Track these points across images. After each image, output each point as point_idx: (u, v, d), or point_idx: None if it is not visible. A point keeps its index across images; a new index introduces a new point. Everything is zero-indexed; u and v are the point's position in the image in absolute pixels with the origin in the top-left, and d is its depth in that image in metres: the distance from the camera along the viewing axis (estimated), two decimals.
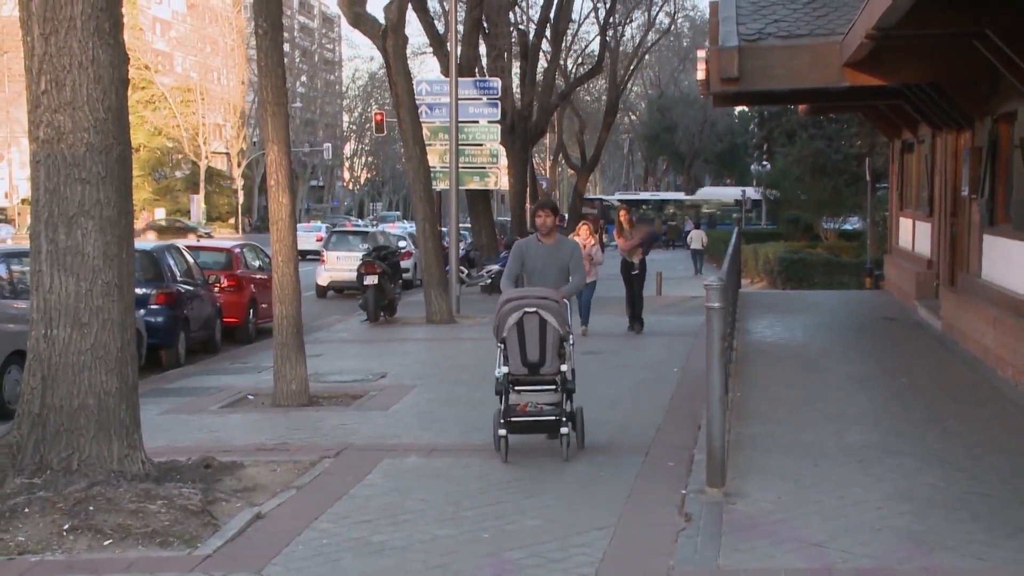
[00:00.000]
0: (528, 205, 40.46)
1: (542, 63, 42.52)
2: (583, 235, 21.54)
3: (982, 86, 16.08)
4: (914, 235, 25.02)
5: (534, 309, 9.83)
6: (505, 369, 10.07)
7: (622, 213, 23.35)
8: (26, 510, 8.38)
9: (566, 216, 43.11)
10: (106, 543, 7.99)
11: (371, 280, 24.89)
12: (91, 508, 8.41)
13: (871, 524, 8.39)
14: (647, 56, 57.05)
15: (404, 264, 31.94)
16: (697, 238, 49.25)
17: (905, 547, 7.86)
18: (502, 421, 9.91)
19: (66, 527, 8.16)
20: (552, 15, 41.58)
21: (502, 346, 10.19)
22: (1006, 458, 10.48)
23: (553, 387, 10.33)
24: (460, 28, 29.01)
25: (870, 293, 30.73)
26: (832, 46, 17.24)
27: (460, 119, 26.35)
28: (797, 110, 35.36)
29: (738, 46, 17.77)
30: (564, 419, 9.97)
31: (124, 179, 9.47)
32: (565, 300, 10.71)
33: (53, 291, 9.19)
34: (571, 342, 10.51)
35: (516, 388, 10.29)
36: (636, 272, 22.07)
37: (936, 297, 20.59)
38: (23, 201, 69.46)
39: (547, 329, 9.83)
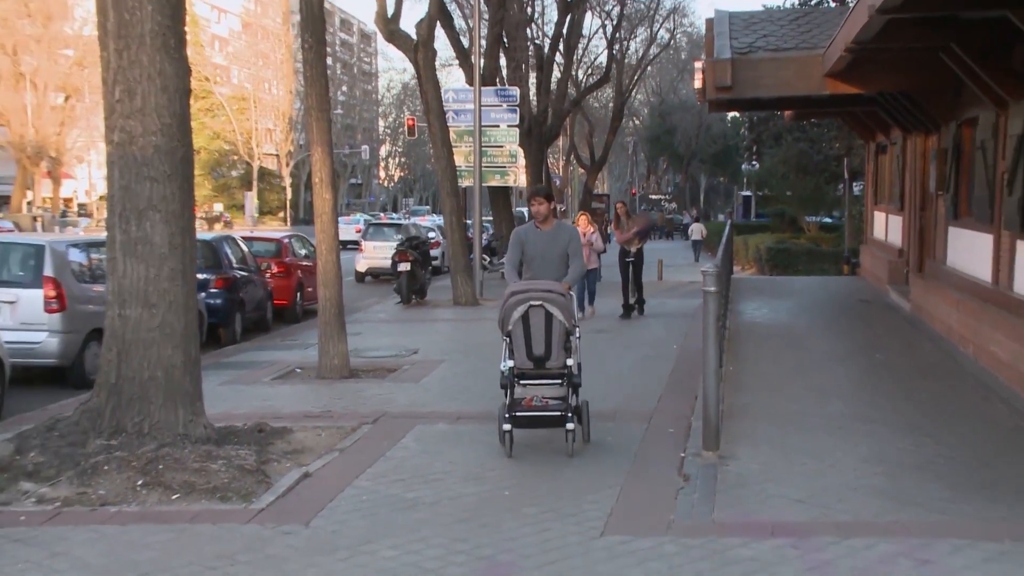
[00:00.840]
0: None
1: (556, 73, 42.36)
2: (582, 224, 20.78)
3: (948, 94, 16.08)
4: (887, 227, 24.94)
5: (540, 302, 8.69)
6: (510, 363, 8.92)
7: (619, 206, 22.93)
8: (105, 468, 8.49)
9: (560, 207, 42.76)
10: (174, 497, 8.10)
11: (404, 267, 24.93)
12: (160, 467, 8.51)
13: (848, 484, 8.45)
14: (649, 67, 56.87)
15: (433, 252, 31.83)
16: (697, 230, 49.73)
17: (877, 504, 7.92)
18: (507, 416, 8.80)
19: (139, 483, 8.28)
20: (565, 31, 41.50)
21: (508, 339, 9.09)
22: (968, 425, 10.53)
23: (559, 381, 9.12)
24: (483, 43, 28.96)
25: (847, 279, 30.63)
26: (815, 58, 17.27)
27: (483, 123, 26.34)
28: (783, 115, 35.15)
29: (731, 58, 17.84)
30: (569, 414, 8.81)
31: (187, 177, 9.55)
32: (571, 292, 9.64)
33: (126, 276, 9.27)
34: (577, 335, 9.37)
35: (522, 382, 9.10)
36: (632, 260, 21.08)
37: (906, 282, 20.55)
38: (100, 197, 69.51)
39: (553, 323, 8.69)
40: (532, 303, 8.71)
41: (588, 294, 20.10)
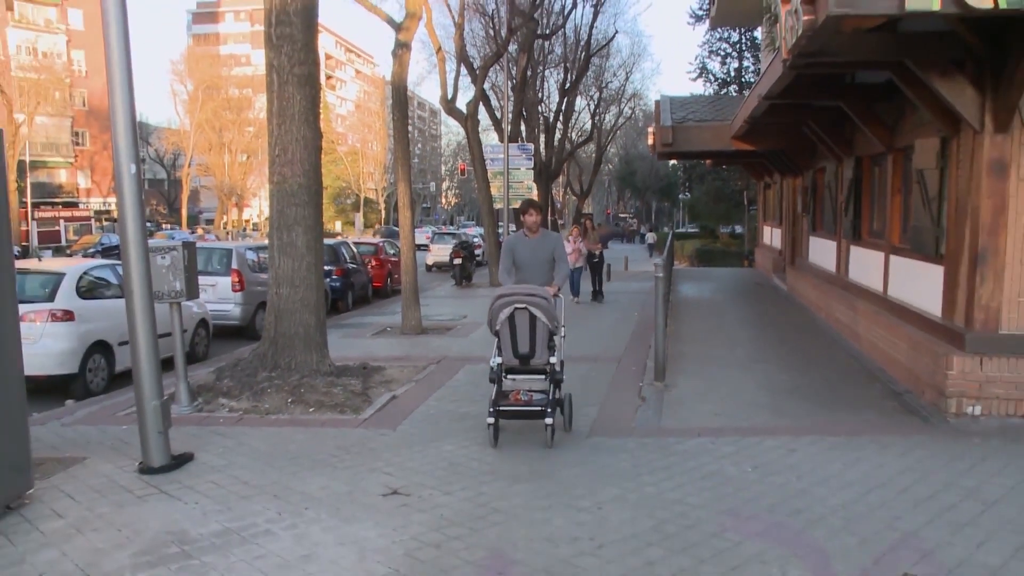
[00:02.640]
0: (550, 218, 40.10)
1: (557, 135, 42.28)
2: (574, 234, 19.22)
3: (807, 152, 16.09)
4: (772, 236, 24.86)
5: (524, 305, 6.92)
6: (499, 359, 7.17)
7: (587, 222, 21.04)
8: (268, 390, 8.58)
9: (559, 221, 42.96)
10: (310, 410, 8.16)
11: (457, 261, 24.93)
12: (302, 390, 8.59)
13: (747, 402, 8.46)
14: (618, 131, 56.75)
15: (477, 252, 31.90)
16: (650, 237, 50.61)
17: (765, 414, 7.94)
18: (491, 410, 6.99)
19: (289, 400, 8.35)
20: (563, 108, 41.45)
21: (497, 338, 7.22)
22: (821, 364, 10.50)
23: (543, 376, 7.28)
24: (510, 115, 28.90)
25: (747, 270, 30.55)
26: (725, 127, 17.28)
27: (509, 167, 26.31)
28: (706, 163, 35.12)
29: (671, 126, 17.99)
30: (549, 409, 6.93)
31: (318, 204, 9.59)
32: (559, 295, 7.68)
33: (280, 268, 9.34)
34: (562, 334, 7.48)
35: (509, 376, 7.31)
36: (596, 261, 19.36)
37: (784, 272, 20.50)
38: (265, 218, 70.94)
39: (537, 324, 6.93)
40: (517, 306, 6.91)
41: (572, 285, 18.39)
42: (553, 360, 7.11)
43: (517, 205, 29.87)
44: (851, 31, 7.20)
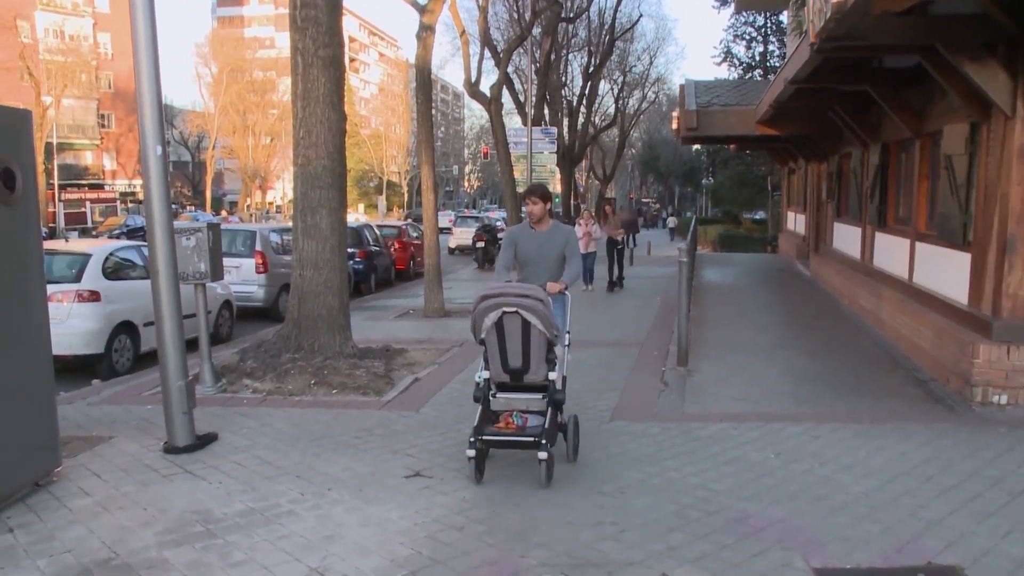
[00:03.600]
0: (572, 202, 39.97)
1: (580, 119, 42.11)
2: (585, 217, 18.50)
3: (833, 137, 15.91)
4: (795, 222, 24.68)
5: (514, 309, 5.45)
6: (486, 373, 5.71)
7: (607, 207, 20.30)
8: (292, 371, 8.62)
9: (583, 206, 42.90)
10: (333, 392, 8.19)
11: (480, 244, 25.01)
12: (325, 372, 8.62)
13: (770, 388, 8.42)
14: (642, 116, 56.45)
15: (500, 235, 31.88)
16: (671, 221, 50.02)
17: (787, 401, 7.90)
18: (472, 439, 5.54)
19: (312, 382, 8.38)
20: (586, 92, 41.29)
21: (484, 347, 5.70)
22: (844, 350, 10.44)
23: (540, 395, 5.78)
24: (533, 98, 28.80)
25: (771, 256, 30.35)
26: (749, 111, 17.15)
27: (532, 151, 26.26)
28: (730, 147, 34.84)
29: (696, 110, 17.88)
30: (545, 441, 5.46)
31: (342, 187, 9.61)
32: (566, 292, 6.31)
33: (304, 250, 9.38)
34: (567, 342, 6.16)
35: (498, 394, 5.87)
36: (619, 247, 18.41)
37: (808, 258, 20.37)
38: (289, 201, 71.34)
39: (531, 332, 5.48)
40: (506, 309, 5.44)
41: (586, 272, 17.49)
42: (552, 376, 5.66)
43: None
44: (880, 14, 7.10)
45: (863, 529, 4.82)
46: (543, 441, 5.45)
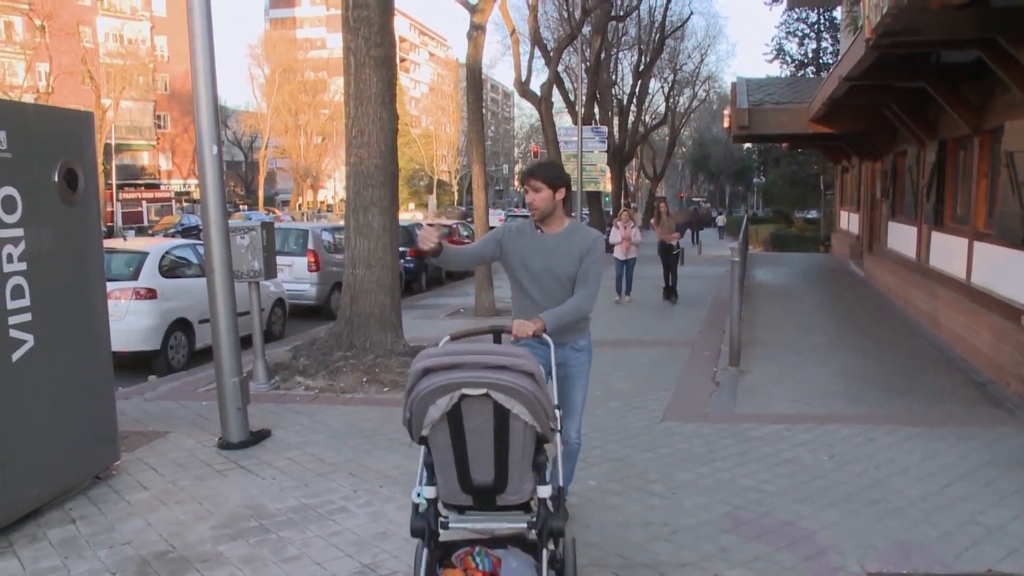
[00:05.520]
0: (622, 200, 39.73)
1: (631, 117, 41.91)
2: (624, 218, 15.77)
3: (887, 135, 15.67)
4: (848, 221, 24.32)
5: (483, 390, 2.99)
6: (429, 490, 3.30)
7: (661, 205, 17.11)
8: (343, 369, 8.68)
9: (634, 206, 42.65)
10: (385, 389, 8.23)
11: None
12: (377, 370, 8.67)
13: (822, 389, 8.30)
14: (692, 114, 56.10)
15: None
16: (720, 220, 49.75)
17: (841, 401, 7.78)
18: None
19: (364, 380, 8.43)
20: (637, 91, 41.11)
21: (424, 448, 3.37)
22: (898, 351, 10.27)
23: (524, 519, 3.25)
24: (583, 97, 28.73)
25: (823, 255, 29.94)
26: (802, 109, 16.96)
27: (583, 150, 26.20)
28: (781, 146, 34.42)
29: (748, 108, 17.71)
30: None
31: (394, 186, 9.65)
32: (546, 337, 4.05)
33: (356, 248, 9.43)
34: (575, 439, 4.54)
35: (451, 520, 3.30)
36: (676, 252, 15.87)
37: (861, 257, 20.08)
38: (340, 200, 72.31)
39: (509, 427, 3.04)
40: (467, 392, 3.04)
41: (626, 282, 15.32)
42: (544, 493, 3.26)
43: (590, 187, 29.83)
44: (939, 7, 6.94)
45: (920, 534, 4.72)
46: None
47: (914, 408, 7.59)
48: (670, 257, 15.74)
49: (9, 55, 48.67)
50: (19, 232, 4.86)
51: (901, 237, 14.94)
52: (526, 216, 4.52)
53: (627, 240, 15.25)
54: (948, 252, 11.39)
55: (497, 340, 4.15)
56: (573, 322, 4.29)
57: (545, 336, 4.05)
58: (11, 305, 4.81)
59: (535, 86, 25.22)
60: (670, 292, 15.73)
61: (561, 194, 4.29)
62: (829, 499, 5.26)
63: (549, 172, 4.30)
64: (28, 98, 42.43)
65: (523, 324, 4.03)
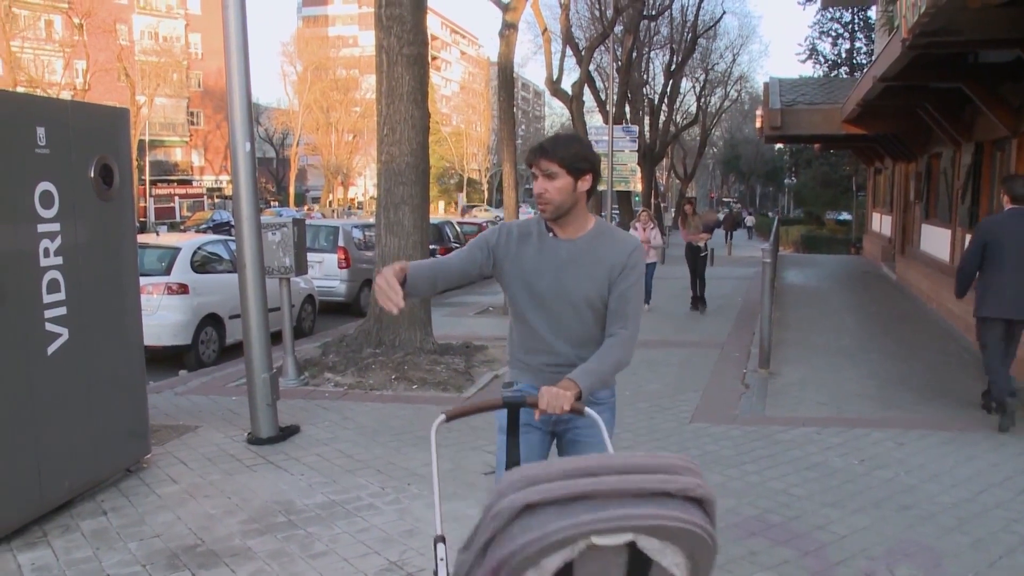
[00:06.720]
0: (653, 200, 39.48)
1: (662, 117, 41.75)
2: (643, 219, 14.66)
3: (922, 136, 15.52)
4: (881, 223, 24.10)
5: (627, 537, 1.43)
6: None
7: (687, 207, 15.51)
8: (373, 366, 8.72)
9: (663, 204, 42.27)
10: (413, 387, 8.26)
11: None
12: (406, 367, 8.70)
13: (853, 392, 8.22)
14: (723, 114, 55.77)
15: None
16: (749, 220, 49.44)
17: (872, 406, 7.70)
18: None
19: (393, 377, 8.45)
20: (668, 90, 40.92)
21: None
22: (931, 354, 10.14)
23: None
24: (614, 96, 28.67)
25: (854, 257, 29.67)
26: (835, 110, 16.83)
27: (614, 149, 26.14)
28: (814, 147, 34.16)
29: (780, 108, 17.59)
30: None
31: (425, 184, 9.68)
32: (591, 411, 2.61)
33: (387, 246, 9.46)
34: None
35: None
36: (704, 255, 14.49)
37: (893, 260, 19.87)
38: (371, 197, 72.68)
39: None
40: (596, 541, 1.40)
41: (645, 289, 12.87)
42: None
43: (620, 187, 29.72)
44: (978, 7, 6.85)
45: (952, 541, 4.66)
46: None
47: (947, 413, 7.48)
48: (697, 260, 14.42)
49: (48, 53, 49.39)
50: (56, 227, 4.92)
51: (935, 240, 14.78)
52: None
53: (647, 243, 13.86)
54: None
55: (513, 418, 2.70)
56: (608, 376, 2.84)
57: (588, 411, 2.63)
58: (47, 299, 4.88)
59: (566, 85, 25.21)
60: (698, 302, 14.38)
61: (586, 183, 2.96)
62: (859, 504, 5.20)
63: (568, 150, 2.90)
64: (65, 95, 43.03)
65: (555, 394, 2.58)
